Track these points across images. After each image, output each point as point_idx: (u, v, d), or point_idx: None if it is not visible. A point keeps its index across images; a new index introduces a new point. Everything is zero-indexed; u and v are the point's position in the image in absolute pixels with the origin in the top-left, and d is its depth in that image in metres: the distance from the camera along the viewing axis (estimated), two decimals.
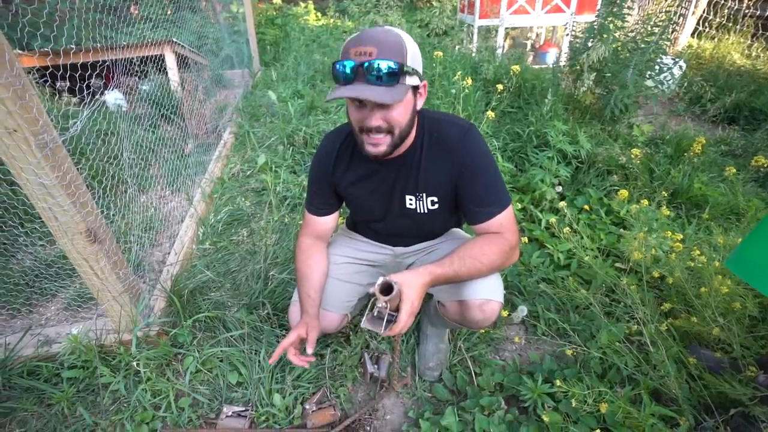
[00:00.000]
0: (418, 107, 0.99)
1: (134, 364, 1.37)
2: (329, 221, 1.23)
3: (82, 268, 1.26)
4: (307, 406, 1.28)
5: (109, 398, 1.34)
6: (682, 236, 1.67)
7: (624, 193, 1.75)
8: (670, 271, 1.60)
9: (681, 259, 1.62)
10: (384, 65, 0.83)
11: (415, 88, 0.94)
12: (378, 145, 0.95)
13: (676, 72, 3.55)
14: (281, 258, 1.71)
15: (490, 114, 2.02)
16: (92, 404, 1.33)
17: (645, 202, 1.72)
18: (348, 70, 0.85)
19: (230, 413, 1.28)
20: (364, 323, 0.89)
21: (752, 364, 1.22)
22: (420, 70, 0.93)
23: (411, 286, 0.88)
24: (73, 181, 1.11)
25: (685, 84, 3.81)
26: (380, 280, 0.86)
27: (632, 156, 2.08)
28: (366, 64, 0.84)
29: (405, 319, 0.86)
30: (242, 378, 1.38)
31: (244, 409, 1.30)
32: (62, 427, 1.26)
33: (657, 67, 2.48)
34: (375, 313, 0.90)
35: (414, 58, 0.90)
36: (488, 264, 0.98)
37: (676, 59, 3.22)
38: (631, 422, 1.10)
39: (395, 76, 0.85)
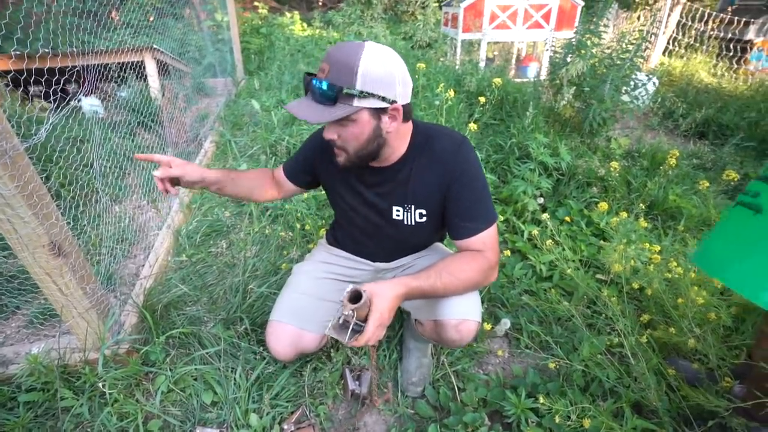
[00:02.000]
0: (389, 129, 0.95)
1: (100, 385, 1.28)
2: (292, 188, 1.25)
3: (45, 284, 1.19)
4: (286, 426, 1.23)
5: (71, 423, 1.25)
6: (659, 248, 1.70)
7: (604, 205, 1.78)
8: (649, 282, 1.62)
9: (659, 270, 1.65)
10: (325, 86, 0.86)
11: (379, 110, 0.91)
12: (339, 156, 0.99)
13: (650, 88, 3.68)
14: (261, 271, 1.66)
15: (473, 126, 2.03)
16: (51, 430, 1.24)
17: (624, 214, 1.75)
18: (304, 84, 0.91)
19: None
20: (329, 330, 0.86)
21: (728, 374, 1.24)
22: (385, 93, 0.88)
23: (382, 297, 0.86)
24: (36, 191, 1.05)
25: (659, 99, 3.96)
26: (350, 287, 0.85)
27: (611, 169, 2.13)
28: (314, 82, 0.87)
29: (371, 330, 0.83)
30: (217, 397, 1.31)
31: (218, 430, 1.23)
32: None
33: (632, 82, 2.57)
34: (341, 321, 0.87)
35: (372, 80, 0.86)
36: (465, 281, 0.96)
37: (650, 75, 3.34)
38: None
39: (332, 95, 0.86)
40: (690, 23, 5.76)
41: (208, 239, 2.05)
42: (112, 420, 1.23)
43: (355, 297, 0.85)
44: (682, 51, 5.85)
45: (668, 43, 5.84)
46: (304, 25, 7.73)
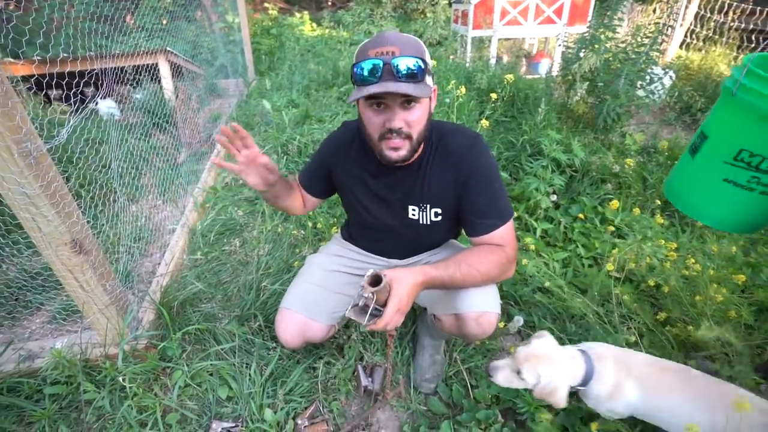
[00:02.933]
0: (431, 111, 0.98)
1: (120, 379, 1.32)
2: (311, 199, 1.25)
3: (67, 280, 1.22)
4: (300, 421, 1.24)
5: (93, 415, 1.29)
6: (676, 245, 1.66)
7: (615, 203, 1.76)
8: (665, 279, 1.59)
9: (676, 267, 1.62)
10: (411, 62, 0.83)
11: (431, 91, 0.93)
12: (399, 149, 0.93)
13: (666, 82, 3.60)
14: (274, 268, 1.68)
15: (484, 122, 2.02)
16: (75, 422, 1.28)
17: (636, 210, 1.72)
18: (372, 69, 0.84)
19: (219, 429, 1.24)
20: (349, 312, 0.88)
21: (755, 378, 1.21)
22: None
23: (402, 282, 0.87)
24: (58, 190, 1.09)
25: (675, 94, 3.87)
26: (370, 271, 0.86)
27: (626, 165, 2.09)
28: (394, 61, 0.83)
29: (390, 314, 0.84)
30: (232, 392, 1.34)
31: (234, 425, 1.25)
32: None
33: (648, 77, 2.52)
34: (361, 304, 0.88)
35: (429, 61, 0.90)
36: (484, 273, 0.96)
37: (666, 69, 3.27)
38: None
39: (421, 73, 0.85)
40: (709, 15, 5.61)
41: (221, 238, 2.09)
42: (132, 413, 1.26)
43: (375, 281, 0.85)
44: (701, 44, 5.70)
45: (686, 35, 5.69)
46: (314, 25, 7.77)
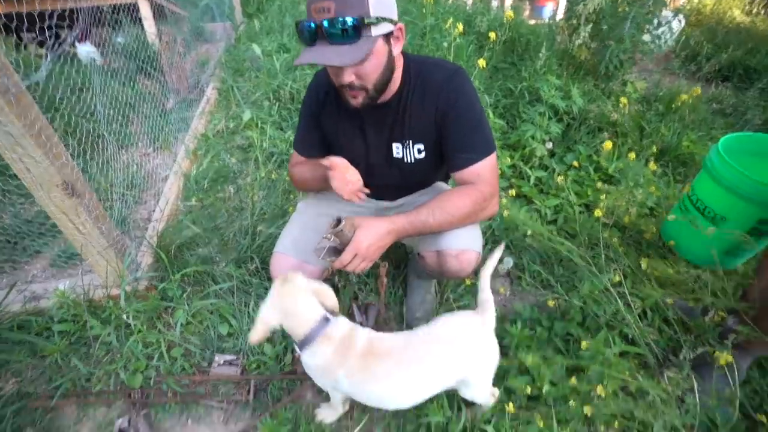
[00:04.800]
0: (396, 51, 0.94)
1: (124, 317, 1.38)
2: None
3: (63, 223, 1.24)
4: (297, 353, 1.32)
5: (102, 349, 1.36)
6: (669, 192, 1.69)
7: (608, 144, 1.75)
8: (651, 225, 1.64)
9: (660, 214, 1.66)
10: (345, 23, 0.79)
11: (388, 36, 0.89)
12: (356, 97, 0.94)
13: (675, 26, 3.44)
14: (269, 214, 1.70)
15: (481, 62, 1.94)
16: (85, 355, 1.35)
17: (632, 155, 1.72)
18: (308, 33, 0.83)
19: (222, 362, 1.32)
20: (314, 250, 0.95)
21: (721, 310, 1.28)
22: (391, 14, 0.87)
23: (366, 229, 0.91)
24: (43, 130, 1.06)
25: (683, 39, 3.72)
26: (335, 215, 0.92)
27: (621, 105, 2.06)
28: (325, 23, 0.80)
29: (347, 257, 0.90)
30: (232, 329, 1.41)
31: (235, 357, 1.33)
32: (57, 377, 1.29)
33: (656, 20, 2.40)
34: (320, 246, 0.94)
35: (379, 3, 0.83)
36: (458, 215, 0.98)
37: (676, 13, 3.11)
38: (602, 360, 1.15)
39: (356, 31, 0.81)
40: None
41: (215, 185, 2.08)
42: (138, 347, 1.33)
43: (336, 224, 0.91)
44: None
45: None
46: None
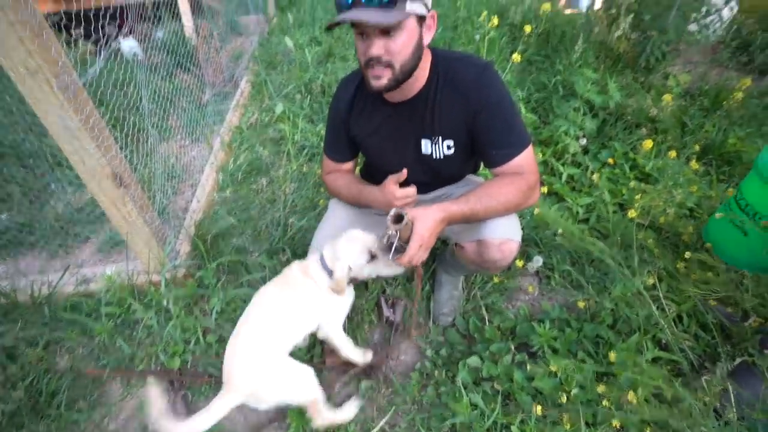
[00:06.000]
0: (426, 41, 0.95)
1: (164, 302, 1.46)
2: (348, 166, 1.25)
3: (111, 212, 1.32)
4: (326, 345, 1.36)
5: (144, 332, 1.45)
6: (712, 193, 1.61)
7: (648, 142, 1.68)
8: (687, 226, 1.57)
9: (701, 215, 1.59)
10: None
11: (421, 19, 0.90)
12: (380, 77, 0.93)
13: (726, 14, 3.22)
14: (300, 206, 1.74)
15: (516, 56, 1.90)
16: (129, 337, 1.45)
17: (672, 153, 1.64)
18: None
19: None
20: (375, 249, 0.95)
21: (763, 317, 1.22)
22: None
23: (423, 220, 0.91)
24: (96, 124, 1.13)
25: (734, 29, 3.48)
26: (393, 210, 0.91)
27: (662, 102, 1.96)
28: None
29: (414, 249, 0.90)
30: None
31: None
32: (105, 356, 1.39)
33: (704, 8, 2.26)
34: (385, 242, 0.95)
35: None
36: (505, 203, 0.98)
37: None
38: (634, 368, 1.13)
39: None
40: None
41: (249, 177, 2.15)
42: (177, 331, 1.41)
43: (398, 219, 0.91)
44: None
45: None
46: None
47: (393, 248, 0.93)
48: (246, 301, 1.49)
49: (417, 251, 0.91)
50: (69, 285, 1.54)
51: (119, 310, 1.48)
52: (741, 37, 3.44)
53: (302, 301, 1.13)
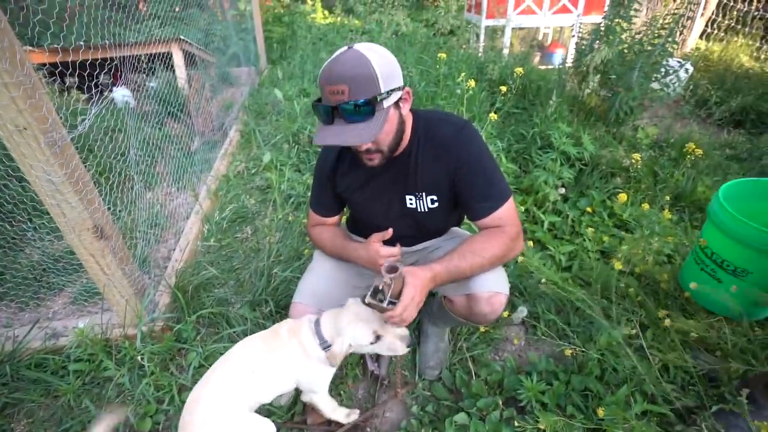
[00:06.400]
0: (405, 112, 1.00)
1: (139, 358, 1.39)
2: (333, 220, 1.27)
3: (89, 264, 1.29)
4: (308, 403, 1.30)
5: (114, 391, 1.36)
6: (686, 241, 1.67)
7: (623, 196, 1.76)
8: (670, 274, 1.60)
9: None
10: (358, 105, 0.86)
11: (397, 101, 0.95)
12: (372, 160, 1.00)
13: (683, 75, 3.53)
14: (285, 256, 1.73)
15: (493, 116, 2.02)
16: (97, 396, 1.36)
17: (645, 206, 1.72)
18: (325, 113, 0.91)
19: None
20: (368, 299, 0.92)
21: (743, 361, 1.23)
22: (398, 82, 0.93)
23: (415, 275, 0.92)
24: (81, 177, 1.14)
25: (692, 87, 3.79)
26: (387, 262, 0.92)
27: (634, 160, 2.08)
28: (341, 107, 0.87)
29: (405, 302, 0.90)
30: None
31: None
32: (68, 418, 1.29)
33: (663, 69, 2.47)
34: (380, 287, 0.93)
35: (388, 77, 0.89)
36: (490, 258, 1.00)
37: (683, 62, 3.20)
38: (624, 423, 1.11)
39: (370, 108, 0.88)
40: (732, 3, 5.43)
41: (234, 225, 2.14)
42: (150, 390, 1.33)
43: (392, 270, 0.91)
44: (722, 34, 5.53)
45: (707, 25, 5.53)
46: (326, 12, 7.71)
47: (386, 297, 0.92)
48: None
49: (410, 302, 0.91)
50: (36, 340, 1.46)
51: (89, 366, 1.40)
52: (698, 94, 3.74)
53: (282, 361, 1.08)
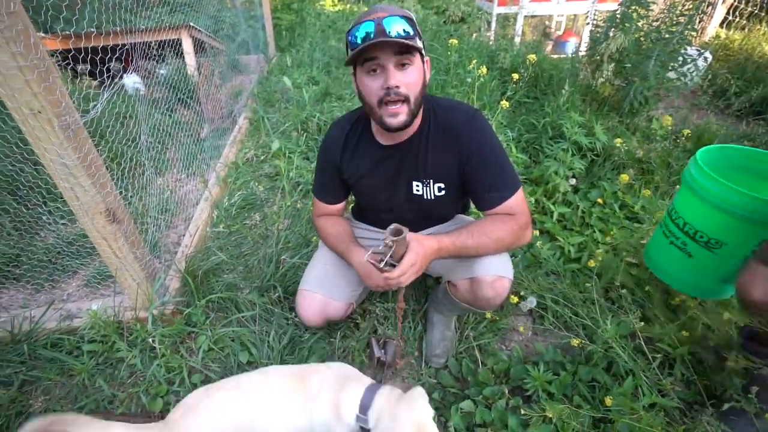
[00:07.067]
0: (427, 76, 1.00)
1: (150, 340, 1.42)
2: (338, 207, 1.26)
3: (102, 247, 1.31)
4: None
5: (126, 371, 1.40)
6: None
7: (625, 177, 1.73)
8: None
9: None
10: (401, 23, 0.87)
11: (422, 57, 0.96)
12: (397, 114, 0.94)
13: (701, 64, 3.42)
14: (293, 243, 1.74)
15: (504, 104, 1.99)
16: (110, 377, 1.39)
17: (647, 192, 1.69)
18: (365, 33, 0.88)
19: None
20: (368, 256, 0.92)
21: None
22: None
23: (421, 243, 0.92)
24: (94, 161, 1.15)
25: (710, 76, 3.68)
26: (393, 225, 0.90)
27: (640, 150, 2.04)
28: (384, 21, 0.86)
29: (404, 267, 0.89)
30: (252, 358, 1.42)
31: None
32: (83, 397, 1.33)
33: (681, 58, 2.41)
34: (381, 249, 0.93)
35: (417, 27, 0.93)
36: (497, 240, 1.00)
37: (702, 50, 3.11)
38: (631, 414, 1.10)
39: (412, 33, 0.88)
40: None
41: (242, 212, 2.16)
42: (161, 371, 1.36)
43: (397, 232, 0.90)
44: (744, 22, 5.35)
45: (728, 13, 5.35)
46: (335, 0, 7.61)
47: (386, 257, 0.92)
48: (234, 340, 1.47)
49: (409, 268, 0.90)
50: (52, 321, 1.50)
51: (102, 347, 1.44)
52: (717, 84, 3.64)
53: (300, 412, 0.93)
